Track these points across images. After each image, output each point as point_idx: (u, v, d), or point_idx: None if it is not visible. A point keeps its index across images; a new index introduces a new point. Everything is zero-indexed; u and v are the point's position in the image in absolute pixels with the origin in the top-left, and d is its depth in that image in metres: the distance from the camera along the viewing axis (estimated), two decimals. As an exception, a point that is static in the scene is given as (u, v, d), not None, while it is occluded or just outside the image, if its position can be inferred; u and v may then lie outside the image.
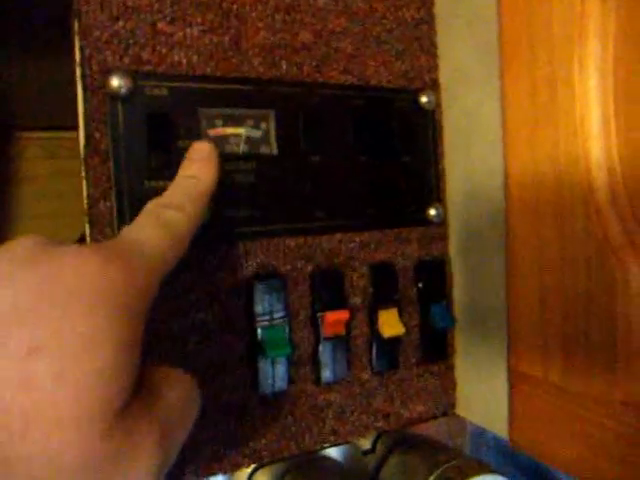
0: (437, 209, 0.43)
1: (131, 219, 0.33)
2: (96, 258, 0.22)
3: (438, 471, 0.38)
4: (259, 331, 0.36)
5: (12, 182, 1.50)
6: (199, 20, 0.35)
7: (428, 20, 0.43)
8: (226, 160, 0.36)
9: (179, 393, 0.25)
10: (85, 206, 0.33)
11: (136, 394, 0.22)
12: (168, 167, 0.34)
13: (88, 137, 0.33)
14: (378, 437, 0.43)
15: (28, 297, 0.20)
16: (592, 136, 0.30)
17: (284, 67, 0.38)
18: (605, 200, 0.29)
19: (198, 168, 0.32)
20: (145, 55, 0.34)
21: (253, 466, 0.38)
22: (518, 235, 0.35)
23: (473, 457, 0.43)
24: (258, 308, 0.36)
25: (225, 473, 0.37)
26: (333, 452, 0.42)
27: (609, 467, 0.30)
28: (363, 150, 0.41)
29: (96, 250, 0.23)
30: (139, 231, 0.27)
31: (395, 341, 0.41)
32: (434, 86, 0.43)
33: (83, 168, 0.33)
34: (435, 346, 0.44)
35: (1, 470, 0.19)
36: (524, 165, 0.34)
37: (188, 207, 0.29)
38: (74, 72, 0.34)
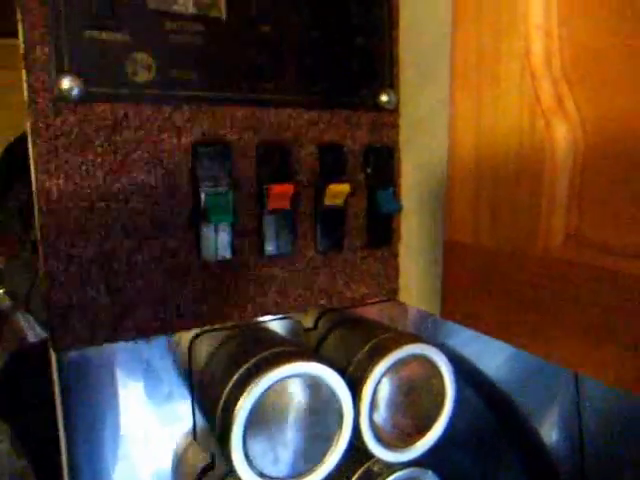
0: (389, 95, 0.43)
1: (70, 68, 0.32)
2: None
3: (375, 340, 0.40)
4: (202, 196, 0.36)
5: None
6: None
7: None
8: (172, 19, 0.35)
9: None
10: (21, 51, 0.32)
11: None
12: (110, 18, 0.33)
13: (25, -23, 0.31)
14: (320, 316, 0.45)
15: None
16: (536, 8, 0.30)
17: None
18: (540, 63, 0.29)
19: None
20: None
21: (195, 332, 0.40)
22: (459, 108, 0.35)
23: (408, 332, 0.45)
24: (201, 172, 0.36)
25: (165, 334, 0.38)
26: (276, 326, 0.43)
27: (524, 320, 0.32)
28: (316, 25, 0.40)
29: None
30: None
31: (339, 221, 0.42)
32: (392, -34, 0.43)
33: (19, 11, 0.31)
34: (380, 231, 0.45)
35: None
36: (469, 40, 0.34)
37: None
38: None
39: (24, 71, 0.32)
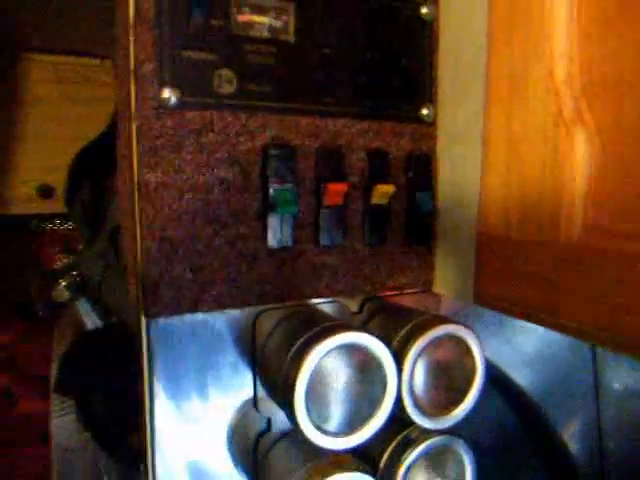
0: (429, 109, 0.50)
1: (169, 81, 0.39)
2: None
3: (415, 321, 0.45)
4: (271, 191, 0.43)
5: (22, 102, 1.54)
6: None
7: None
8: (251, 42, 0.42)
9: None
10: (131, 67, 0.39)
11: None
12: (202, 40, 0.40)
13: (137, 7, 0.38)
14: (364, 302, 0.51)
15: None
16: (557, 32, 0.36)
17: (305, -35, 0.44)
18: (562, 82, 0.35)
19: None
20: (188, -59, 0.39)
21: (259, 308, 0.46)
22: (492, 120, 0.41)
23: (441, 314, 0.51)
24: (271, 171, 0.43)
25: (236, 307, 0.44)
26: (326, 309, 0.49)
27: (550, 300, 0.37)
28: (368, 49, 0.47)
29: None
30: None
31: (384, 218, 0.48)
32: (434, 0, 0.49)
33: (132, 33, 0.38)
34: (418, 228, 0.51)
35: None
36: (502, 61, 0.41)
37: None
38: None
39: (133, 83, 0.39)
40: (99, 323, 0.81)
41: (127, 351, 0.68)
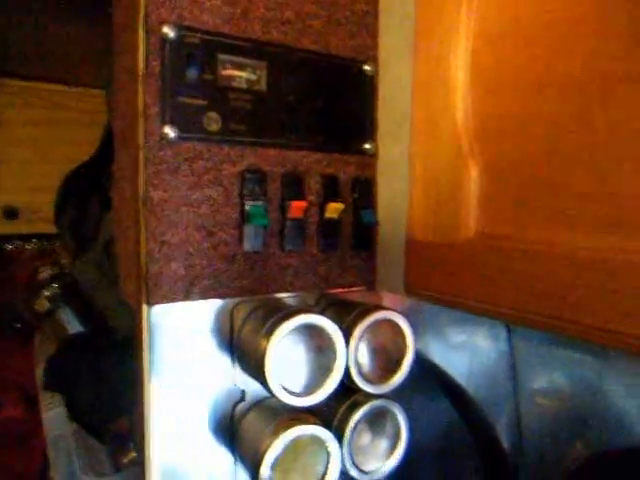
0: (370, 144, 0.63)
1: (170, 120, 0.51)
2: None
3: (359, 308, 0.58)
4: (247, 207, 0.55)
5: (-13, 126, 1.60)
6: None
7: (373, 12, 0.63)
8: (232, 91, 0.54)
9: None
10: (140, 109, 0.50)
11: None
12: (195, 90, 0.52)
13: (147, 64, 0.50)
14: (320, 297, 0.63)
15: None
16: (458, 94, 0.50)
17: (274, 34, 0.57)
18: (461, 128, 0.49)
19: None
20: (186, 14, 0.51)
21: (236, 300, 0.57)
22: (415, 154, 0.55)
23: (382, 305, 0.63)
24: (246, 191, 0.55)
25: (218, 298, 0.55)
26: (289, 302, 0.60)
27: (459, 287, 0.51)
28: (323, 97, 0.60)
29: None
30: None
31: (335, 229, 0.61)
32: (374, 58, 0.63)
33: (141, 83, 0.50)
34: (363, 238, 0.63)
35: None
36: (422, 110, 0.55)
37: None
38: (135, 21, 0.51)
39: (141, 121, 0.50)
40: (80, 329, 0.89)
41: (110, 349, 0.77)
